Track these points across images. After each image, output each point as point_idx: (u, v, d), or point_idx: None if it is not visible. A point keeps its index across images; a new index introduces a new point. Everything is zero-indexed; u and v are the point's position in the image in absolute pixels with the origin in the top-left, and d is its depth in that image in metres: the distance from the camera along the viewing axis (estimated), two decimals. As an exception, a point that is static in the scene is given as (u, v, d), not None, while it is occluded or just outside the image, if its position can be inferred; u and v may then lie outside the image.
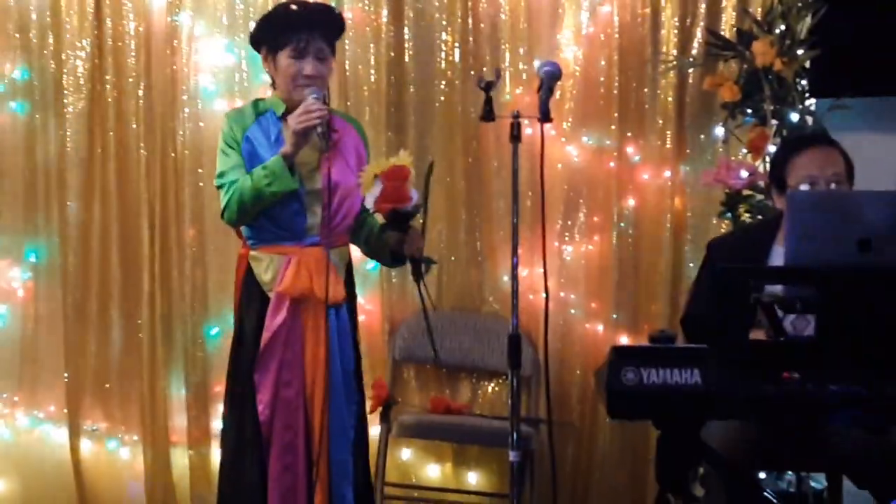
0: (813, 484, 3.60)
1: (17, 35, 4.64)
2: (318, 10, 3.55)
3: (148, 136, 4.58)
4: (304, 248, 3.29)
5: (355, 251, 3.53)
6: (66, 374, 4.61)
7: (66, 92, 4.60)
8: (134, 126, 4.59)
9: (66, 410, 4.62)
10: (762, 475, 3.60)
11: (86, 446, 4.65)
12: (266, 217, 3.28)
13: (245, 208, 3.24)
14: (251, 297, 3.36)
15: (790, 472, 3.66)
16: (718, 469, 3.11)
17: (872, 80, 4.17)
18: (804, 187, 3.25)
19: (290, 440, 3.26)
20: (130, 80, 4.59)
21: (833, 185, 3.25)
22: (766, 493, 3.17)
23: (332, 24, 3.40)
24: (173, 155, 4.57)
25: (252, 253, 3.33)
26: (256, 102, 3.41)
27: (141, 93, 4.58)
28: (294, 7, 3.41)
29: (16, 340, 4.68)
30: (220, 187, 3.31)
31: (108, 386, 4.65)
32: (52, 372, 4.67)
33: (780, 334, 2.72)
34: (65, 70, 4.60)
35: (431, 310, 3.51)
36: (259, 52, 3.40)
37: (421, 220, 3.33)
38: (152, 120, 4.58)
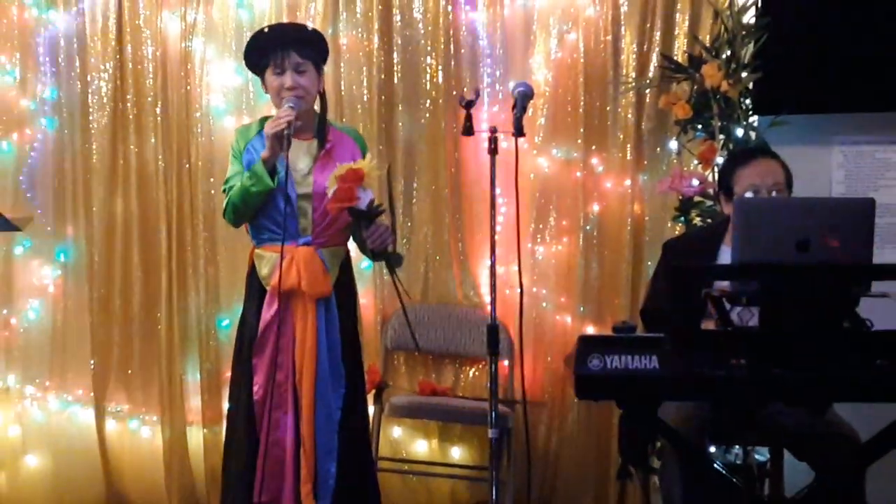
0: (757, 457, 3.61)
1: (48, 59, 4.61)
2: (289, 29, 3.63)
3: (165, 149, 4.56)
4: (298, 247, 3.29)
5: (353, 250, 3.52)
6: (92, 362, 4.59)
7: (91, 110, 4.58)
8: (152, 140, 4.57)
9: (92, 394, 4.59)
10: (712, 449, 3.60)
11: (110, 426, 4.62)
12: (266, 219, 3.29)
13: (237, 208, 3.28)
14: (252, 291, 3.39)
15: (737, 447, 3.66)
16: (674, 443, 3.11)
17: (808, 100, 4.19)
18: (749, 195, 3.26)
19: (279, 418, 3.27)
20: (149, 99, 4.57)
21: (774, 193, 3.26)
22: (715, 465, 3.17)
23: (304, 40, 3.37)
24: (188, 166, 4.55)
25: (256, 251, 3.35)
26: (262, 119, 3.41)
27: (158, 110, 4.56)
28: (266, 29, 3.47)
29: (47, 331, 4.66)
30: (224, 192, 3.36)
31: (130, 372, 4.63)
32: (79, 359, 4.65)
33: (727, 324, 2.73)
34: (90, 90, 4.57)
35: (407, 300, 3.51)
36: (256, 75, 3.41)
37: (390, 219, 3.31)
38: (169, 135, 4.56)
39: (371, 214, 3.18)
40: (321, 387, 3.27)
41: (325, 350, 3.29)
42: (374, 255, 3.34)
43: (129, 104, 4.57)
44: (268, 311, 3.29)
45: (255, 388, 3.28)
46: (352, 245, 3.52)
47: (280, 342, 3.28)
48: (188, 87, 4.55)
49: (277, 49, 3.29)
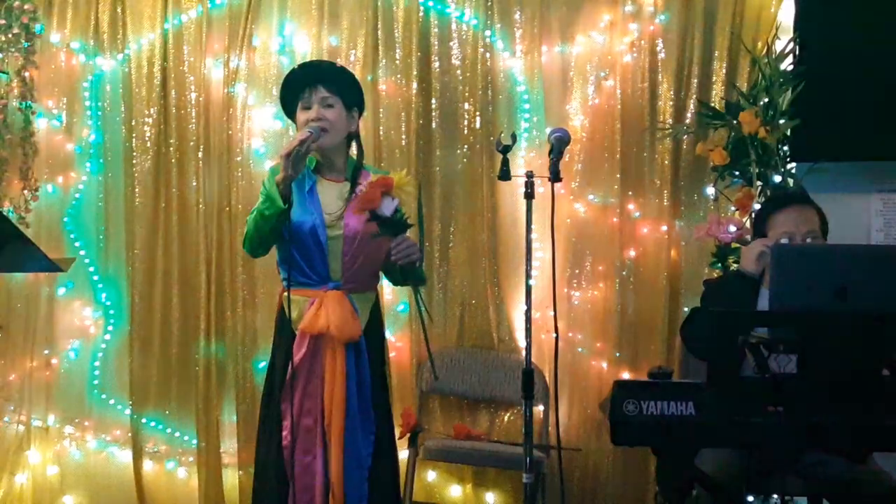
0: (796, 506, 3.56)
1: (93, 103, 4.70)
2: (318, 65, 3.66)
3: (206, 192, 4.61)
4: (328, 291, 3.29)
5: (386, 293, 3.51)
6: (130, 402, 4.62)
7: (134, 153, 4.65)
8: (194, 184, 4.63)
9: (130, 434, 4.62)
10: (750, 498, 3.55)
11: (147, 466, 4.64)
12: (296, 264, 3.28)
13: (252, 235, 3.27)
14: (282, 334, 3.37)
15: (776, 496, 3.61)
16: (710, 492, 3.08)
17: (846, 147, 4.17)
18: (783, 241, 3.24)
19: (308, 464, 3.24)
20: (191, 143, 4.64)
21: (808, 240, 3.24)
22: (753, 514, 3.13)
23: (331, 76, 3.38)
24: (228, 209, 4.60)
25: (285, 294, 3.34)
26: None
27: (200, 154, 4.62)
28: (295, 68, 3.49)
29: (86, 371, 4.70)
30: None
31: (167, 413, 4.65)
32: (118, 399, 4.68)
33: (765, 371, 2.71)
34: (134, 134, 4.65)
35: (429, 322, 3.47)
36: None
37: (418, 238, 3.28)
38: (210, 178, 4.62)
39: (394, 222, 3.15)
40: (350, 431, 3.24)
41: (354, 394, 3.26)
42: (400, 271, 3.28)
43: (171, 148, 4.63)
44: (297, 355, 3.27)
45: (284, 434, 3.25)
46: (385, 288, 3.51)
47: (308, 387, 3.26)
48: (230, 132, 4.61)
49: (306, 86, 3.33)
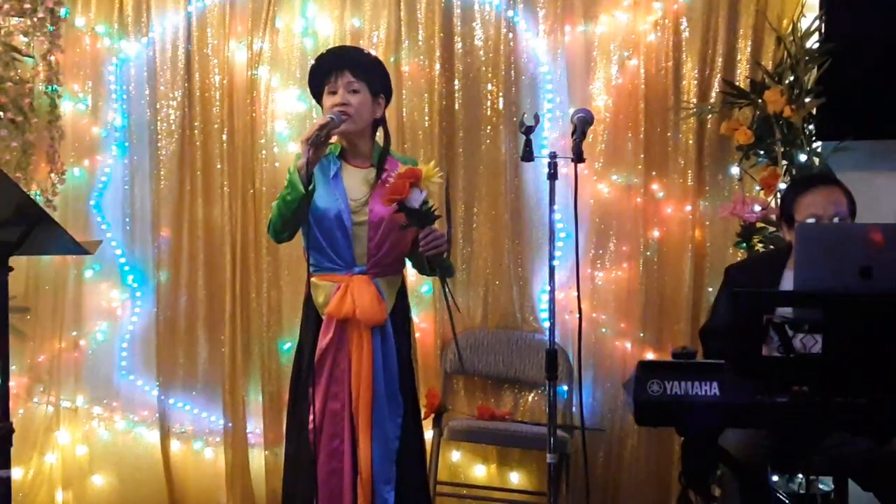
0: (821, 486, 3.55)
1: (119, 87, 4.72)
2: (346, 51, 3.66)
3: (231, 174, 4.63)
4: (353, 276, 3.30)
5: (410, 275, 3.52)
6: (157, 383, 4.66)
7: (159, 136, 4.67)
8: (218, 166, 4.65)
9: (157, 415, 4.66)
10: (774, 478, 3.55)
11: (175, 446, 4.69)
12: (322, 249, 3.30)
13: (275, 220, 3.29)
14: (309, 318, 3.38)
15: (800, 476, 3.60)
16: (735, 471, 3.08)
17: (872, 125, 4.13)
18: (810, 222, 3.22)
19: (335, 447, 3.26)
20: (216, 126, 4.65)
21: (836, 221, 3.22)
22: (777, 494, 3.13)
23: (359, 62, 3.38)
24: (252, 191, 4.62)
25: (312, 279, 3.35)
26: None
27: (224, 137, 4.63)
28: (324, 53, 3.51)
29: (114, 353, 4.74)
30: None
31: (194, 393, 4.69)
32: (145, 380, 4.72)
33: (789, 351, 2.69)
34: (159, 117, 4.67)
35: (457, 312, 3.48)
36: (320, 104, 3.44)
37: (446, 230, 3.30)
38: (234, 161, 4.63)
39: (422, 213, 3.16)
40: (378, 414, 3.26)
41: (381, 378, 3.28)
42: (428, 263, 3.29)
43: (196, 131, 4.65)
44: (323, 340, 3.29)
45: (311, 417, 3.26)
46: (408, 271, 3.52)
47: (335, 371, 3.28)
48: (253, 115, 4.62)
49: (333, 71, 3.33)
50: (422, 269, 3.45)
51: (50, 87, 4.56)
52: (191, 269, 4.67)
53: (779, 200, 3.77)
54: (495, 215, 4.59)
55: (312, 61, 3.51)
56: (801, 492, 3.58)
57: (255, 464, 4.61)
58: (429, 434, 4.15)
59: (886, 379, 2.58)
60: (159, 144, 4.67)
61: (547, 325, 3.00)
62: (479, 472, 4.62)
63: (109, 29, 4.71)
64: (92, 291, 4.76)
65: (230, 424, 4.60)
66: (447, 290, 3.33)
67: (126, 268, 4.74)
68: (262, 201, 4.57)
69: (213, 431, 4.69)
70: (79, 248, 3.28)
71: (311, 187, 3.18)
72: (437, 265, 3.28)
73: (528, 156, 3.01)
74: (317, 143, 3.15)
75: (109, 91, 4.73)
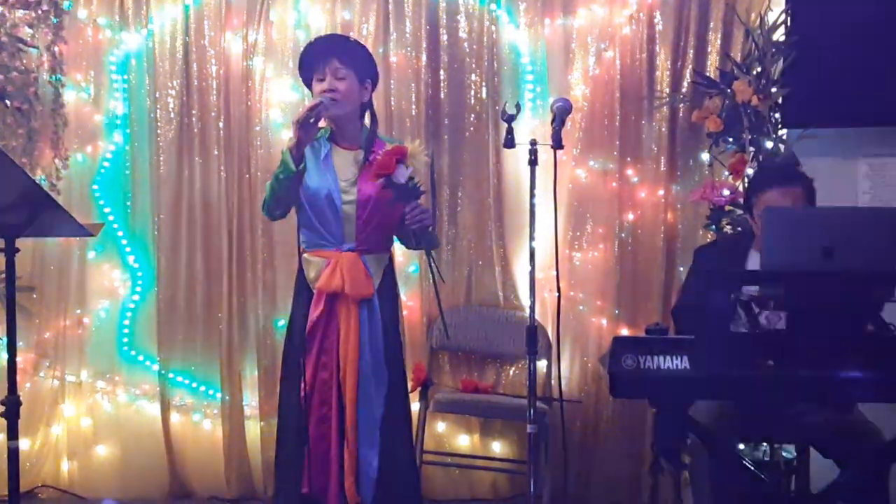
0: (784, 454, 3.58)
1: (120, 76, 4.69)
2: (332, 39, 3.63)
3: (227, 160, 4.61)
4: (343, 252, 3.31)
5: (398, 255, 3.52)
6: (158, 358, 4.65)
7: (159, 124, 4.64)
8: (216, 153, 4.63)
9: (158, 388, 4.66)
10: (741, 446, 3.57)
11: (175, 419, 4.68)
12: (314, 227, 3.32)
13: (269, 198, 3.32)
14: (301, 293, 3.40)
15: (765, 444, 3.63)
16: (704, 440, 3.09)
17: (835, 114, 4.14)
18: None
19: (324, 414, 3.28)
20: (213, 114, 4.63)
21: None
22: (744, 462, 3.15)
23: (345, 49, 3.38)
24: (248, 176, 4.61)
25: (304, 256, 3.37)
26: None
27: (221, 125, 4.61)
28: (311, 42, 3.51)
29: (116, 330, 4.73)
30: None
31: (193, 368, 4.68)
32: (146, 356, 4.72)
33: (755, 327, 2.72)
34: (158, 106, 4.64)
35: (441, 283, 3.49)
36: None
37: (431, 205, 3.31)
38: (231, 147, 4.61)
39: (408, 188, 3.16)
40: (364, 384, 3.28)
41: (367, 349, 3.30)
42: (413, 236, 3.30)
43: (194, 119, 4.63)
44: (314, 313, 3.31)
45: (303, 386, 3.29)
46: (396, 250, 3.52)
47: (325, 342, 3.30)
48: (249, 103, 4.60)
49: (321, 58, 3.33)
50: (408, 243, 3.46)
51: (54, 77, 4.53)
52: (189, 251, 4.66)
53: (746, 185, 3.78)
54: (479, 199, 4.59)
55: (303, 51, 3.49)
56: (766, 459, 3.61)
57: (250, 434, 4.61)
58: (415, 406, 4.17)
59: (846, 353, 2.60)
60: (159, 131, 4.64)
61: (527, 302, 3.01)
62: (463, 441, 4.64)
63: (111, 21, 4.67)
64: (95, 272, 4.74)
65: (227, 397, 4.60)
66: (432, 261, 3.36)
67: (127, 249, 4.72)
68: (257, 186, 4.56)
69: (210, 404, 4.69)
70: (82, 231, 3.27)
71: (301, 166, 3.20)
72: (422, 238, 3.30)
73: (509, 143, 3.01)
74: (307, 124, 3.17)
75: (111, 80, 4.70)
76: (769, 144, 4.12)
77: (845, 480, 3.03)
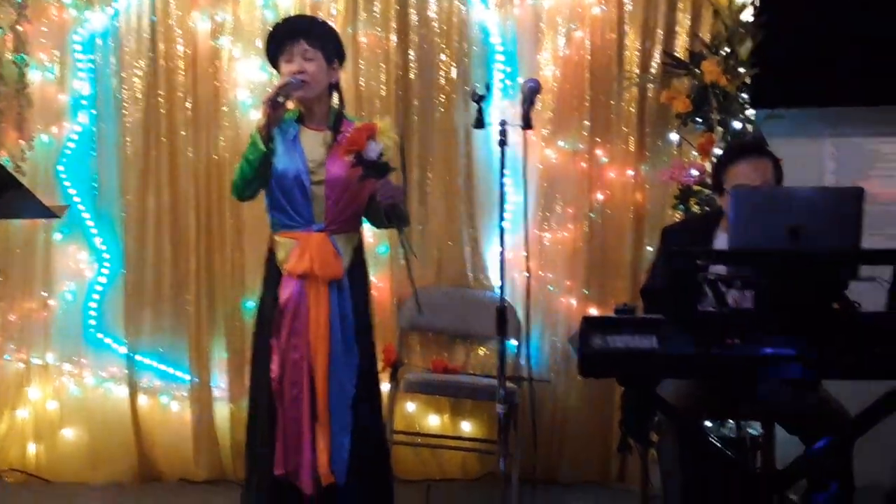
0: (750, 431, 3.61)
1: (85, 56, 4.63)
2: (300, 20, 3.64)
3: (195, 141, 4.57)
4: (312, 233, 3.30)
5: (368, 236, 3.51)
6: (125, 341, 4.62)
7: (125, 104, 4.59)
8: (183, 133, 4.58)
9: (125, 371, 4.62)
10: (708, 424, 3.61)
11: (142, 401, 4.64)
12: (283, 208, 3.30)
13: (238, 179, 3.31)
14: (270, 275, 3.39)
15: (731, 421, 3.67)
16: (671, 419, 3.12)
17: (802, 94, 4.19)
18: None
19: (295, 395, 3.27)
20: (180, 94, 4.58)
21: (764, 186, 3.25)
22: (710, 439, 3.18)
23: (313, 30, 3.37)
24: (215, 157, 4.57)
25: (274, 237, 3.36)
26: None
27: (188, 105, 4.57)
28: (278, 23, 3.50)
29: (82, 312, 4.68)
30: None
31: (161, 350, 4.65)
32: (113, 338, 4.67)
33: (723, 306, 2.73)
34: (124, 86, 4.58)
35: (414, 259, 3.49)
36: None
37: (402, 182, 3.32)
38: (198, 128, 4.57)
39: (379, 164, 3.15)
40: (335, 365, 3.28)
41: (338, 330, 3.29)
42: (385, 215, 3.29)
43: (161, 99, 4.58)
44: (284, 294, 3.30)
45: (273, 367, 3.28)
46: (366, 231, 3.51)
47: (295, 324, 3.29)
48: (217, 83, 4.56)
49: (288, 40, 3.32)
50: (378, 223, 3.44)
51: (18, 57, 4.47)
52: (156, 232, 4.61)
53: (714, 163, 3.80)
54: (448, 180, 4.58)
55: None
56: (732, 436, 3.65)
57: (220, 417, 4.60)
58: (385, 387, 4.18)
59: (812, 331, 2.63)
60: (125, 112, 4.59)
61: (497, 283, 3.02)
62: (433, 421, 4.66)
63: (75, 0, 4.60)
64: (61, 254, 4.68)
65: (196, 380, 4.58)
66: (403, 238, 3.36)
67: (94, 231, 4.67)
68: (225, 166, 4.52)
69: (179, 386, 4.66)
70: (48, 212, 3.24)
71: (271, 146, 3.18)
72: (393, 215, 3.28)
73: (479, 123, 3.02)
74: (276, 103, 3.15)
75: (76, 60, 4.63)
76: (737, 125, 4.15)
77: (810, 457, 3.07)
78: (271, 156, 3.22)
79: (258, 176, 3.27)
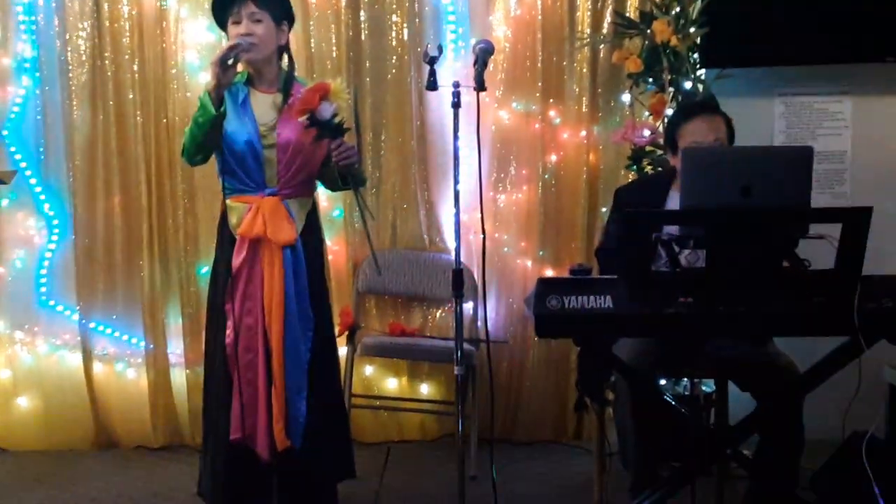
0: (704, 388, 3.67)
1: (28, 18, 4.51)
2: None
3: (143, 104, 4.48)
4: (264, 197, 3.28)
5: (322, 200, 3.49)
6: (78, 308, 4.56)
7: (70, 67, 4.48)
8: (130, 96, 4.49)
9: (79, 338, 4.57)
10: (662, 381, 3.66)
11: (97, 368, 4.60)
12: (234, 172, 3.27)
13: (188, 143, 3.26)
14: (224, 240, 3.36)
15: (685, 379, 3.73)
16: (626, 377, 3.16)
17: (751, 54, 4.22)
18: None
19: (250, 360, 3.26)
20: (126, 56, 4.48)
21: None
22: (665, 397, 3.23)
23: None
24: (165, 120, 4.49)
25: (227, 202, 3.32)
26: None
27: (136, 67, 4.47)
28: None
29: (33, 280, 4.61)
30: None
31: (115, 317, 4.60)
32: (66, 306, 4.62)
33: (676, 266, 2.76)
34: (69, 48, 4.47)
35: (371, 221, 3.47)
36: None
37: (356, 142, 3.29)
38: (146, 90, 4.48)
39: (333, 125, 3.13)
40: (290, 329, 3.27)
41: (292, 295, 3.28)
42: (340, 177, 3.26)
43: (107, 61, 4.48)
44: (237, 259, 3.28)
45: (228, 333, 3.26)
46: (321, 195, 3.49)
47: (248, 288, 3.27)
48: (164, 45, 4.47)
49: (235, 1, 3.26)
50: (334, 185, 3.41)
51: (-43, 19, 4.35)
52: (107, 197, 4.54)
53: (666, 124, 3.83)
54: (402, 142, 4.56)
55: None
56: (686, 393, 3.71)
57: (176, 382, 4.57)
58: (343, 350, 4.17)
59: (763, 289, 2.67)
60: (70, 75, 4.49)
61: (453, 245, 3.02)
62: (392, 384, 4.67)
63: (16, -41, 4.48)
64: (9, 221, 4.60)
65: (151, 346, 4.54)
66: (360, 198, 3.34)
67: (42, 197, 4.59)
68: (175, 130, 4.45)
69: (134, 353, 4.62)
70: (-6, 179, 3.18)
71: (221, 108, 3.14)
72: (349, 176, 3.26)
73: (432, 85, 2.99)
74: (225, 65, 3.11)
75: (17, 22, 4.51)
76: (688, 85, 4.16)
77: (761, 413, 3.13)
78: (222, 119, 3.17)
79: (208, 139, 3.22)
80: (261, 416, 3.26)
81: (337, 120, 3.14)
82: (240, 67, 3.29)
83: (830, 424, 3.26)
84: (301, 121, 3.14)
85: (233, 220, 3.31)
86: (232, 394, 3.27)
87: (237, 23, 3.26)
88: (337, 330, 3.80)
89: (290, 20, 3.40)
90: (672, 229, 2.83)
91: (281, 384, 3.26)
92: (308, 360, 3.31)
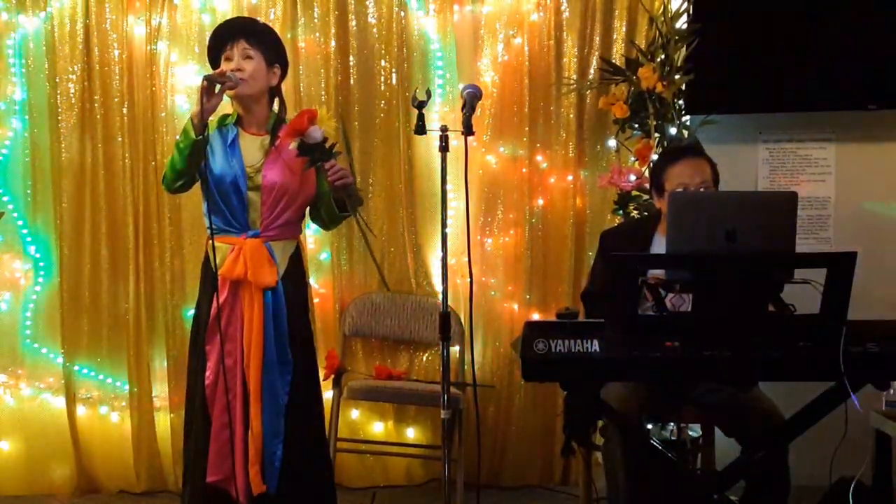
0: (691, 433, 3.66)
1: (18, 61, 4.53)
2: (240, 21, 3.64)
3: (132, 147, 4.49)
4: (247, 239, 3.28)
5: (310, 243, 3.49)
6: (62, 351, 4.53)
7: (59, 110, 4.49)
8: (119, 139, 4.51)
9: (63, 381, 4.53)
10: (650, 426, 3.65)
11: (81, 412, 4.56)
12: (219, 212, 3.27)
13: (168, 169, 3.30)
14: (206, 281, 3.36)
15: (672, 424, 3.71)
16: (614, 421, 3.15)
17: (736, 100, 4.26)
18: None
19: (229, 402, 3.24)
20: (116, 99, 4.50)
21: (701, 189, 3.31)
22: (652, 441, 3.22)
23: (252, 31, 3.37)
24: (153, 163, 4.50)
25: (210, 242, 3.32)
26: (224, 117, 3.39)
27: (125, 110, 4.49)
28: (219, 24, 3.49)
29: (18, 322, 4.58)
30: None
31: (99, 360, 4.57)
32: (50, 349, 4.58)
33: (662, 310, 2.77)
34: (58, 91, 4.49)
35: (372, 237, 3.47)
36: None
37: (349, 163, 3.32)
38: (135, 134, 4.50)
39: (324, 147, 3.12)
40: (268, 372, 3.25)
41: (272, 337, 3.27)
42: (335, 202, 3.27)
43: (96, 105, 4.49)
44: (218, 300, 3.27)
45: (207, 374, 3.26)
46: (308, 237, 3.49)
47: (229, 330, 3.26)
48: (153, 89, 4.50)
49: (229, 40, 3.31)
50: (332, 216, 3.37)
51: (-53, 61, 4.36)
52: (93, 240, 4.53)
53: (652, 167, 3.85)
54: (390, 185, 4.58)
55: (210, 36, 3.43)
56: (673, 438, 3.70)
57: (160, 426, 4.53)
58: (329, 394, 4.15)
59: (748, 334, 2.67)
60: (60, 118, 4.50)
61: (440, 289, 3.02)
62: (378, 428, 4.64)
63: (7, 3, 4.50)
64: (-5, 263, 4.59)
65: (135, 389, 4.50)
66: (359, 218, 3.35)
67: (28, 239, 4.58)
68: (163, 172, 4.45)
69: (118, 396, 4.58)
70: (-20, 221, 3.17)
71: (205, 133, 3.16)
72: (346, 195, 3.26)
73: (420, 129, 3.01)
74: (211, 90, 3.13)
75: (8, 65, 4.53)
76: (673, 130, 4.20)
77: (747, 459, 3.12)
78: (202, 144, 3.17)
79: (189, 166, 3.23)
80: (238, 459, 3.24)
81: (327, 143, 3.14)
82: (229, 109, 3.30)
83: (817, 470, 3.24)
84: (291, 147, 3.14)
85: (216, 260, 3.30)
86: (209, 436, 3.25)
87: (229, 59, 3.29)
88: (323, 373, 3.78)
89: (284, 65, 3.42)
90: (658, 272, 2.84)
91: (258, 427, 3.24)
92: (286, 404, 3.29)
